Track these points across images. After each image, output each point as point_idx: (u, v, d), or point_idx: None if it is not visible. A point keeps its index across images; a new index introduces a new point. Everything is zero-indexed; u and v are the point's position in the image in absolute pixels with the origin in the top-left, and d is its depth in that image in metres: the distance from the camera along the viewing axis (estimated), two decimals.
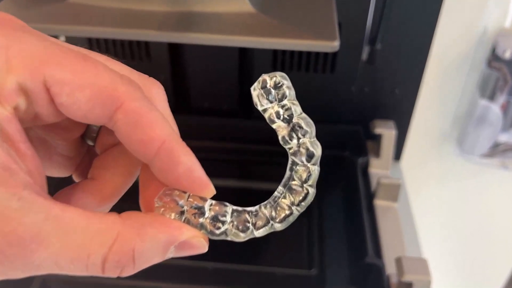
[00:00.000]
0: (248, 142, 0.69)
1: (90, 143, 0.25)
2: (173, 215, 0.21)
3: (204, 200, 0.22)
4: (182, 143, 0.21)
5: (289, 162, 0.23)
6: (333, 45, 0.44)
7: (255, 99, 0.23)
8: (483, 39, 0.68)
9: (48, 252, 0.18)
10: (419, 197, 0.85)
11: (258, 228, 0.22)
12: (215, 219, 0.22)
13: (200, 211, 0.22)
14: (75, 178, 0.25)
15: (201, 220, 0.22)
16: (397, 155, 0.73)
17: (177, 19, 0.45)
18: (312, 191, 0.23)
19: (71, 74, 0.19)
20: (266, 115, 0.23)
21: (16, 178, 0.18)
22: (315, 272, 0.54)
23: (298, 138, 0.23)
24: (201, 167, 0.22)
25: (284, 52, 0.63)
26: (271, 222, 0.23)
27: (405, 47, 0.62)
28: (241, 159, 0.70)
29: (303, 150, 0.23)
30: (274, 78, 0.23)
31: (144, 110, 0.20)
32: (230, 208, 0.22)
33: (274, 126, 0.23)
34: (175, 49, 0.65)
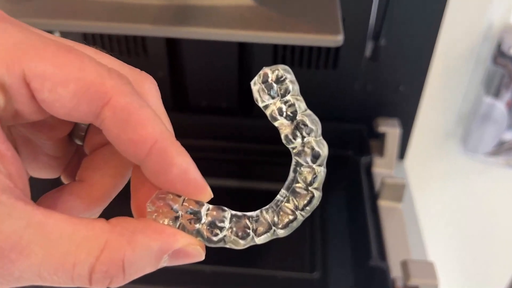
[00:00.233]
0: (249, 141, 0.68)
1: (79, 142, 0.23)
2: (166, 220, 0.20)
3: (201, 204, 0.20)
4: (176, 142, 0.20)
5: (293, 163, 0.21)
6: (337, 40, 0.43)
7: (255, 94, 0.21)
8: (488, 35, 0.68)
9: (30, 262, 0.17)
10: (423, 196, 0.85)
11: (259, 235, 0.21)
12: (212, 225, 0.20)
13: (196, 217, 0.20)
14: (64, 180, 0.24)
15: (197, 226, 0.20)
16: (401, 154, 0.72)
17: (174, 13, 0.45)
18: (317, 194, 0.21)
19: (53, 67, 0.18)
20: (267, 112, 0.21)
21: None
22: (317, 276, 0.54)
23: (303, 137, 0.21)
24: (197, 168, 0.20)
25: (285, 47, 0.62)
26: (273, 228, 0.21)
27: (410, 43, 0.61)
28: (241, 159, 0.69)
29: (308, 150, 0.21)
30: (276, 72, 0.21)
31: (134, 106, 0.19)
32: (228, 213, 0.21)
33: (276, 123, 0.21)
34: (172, 45, 0.64)
